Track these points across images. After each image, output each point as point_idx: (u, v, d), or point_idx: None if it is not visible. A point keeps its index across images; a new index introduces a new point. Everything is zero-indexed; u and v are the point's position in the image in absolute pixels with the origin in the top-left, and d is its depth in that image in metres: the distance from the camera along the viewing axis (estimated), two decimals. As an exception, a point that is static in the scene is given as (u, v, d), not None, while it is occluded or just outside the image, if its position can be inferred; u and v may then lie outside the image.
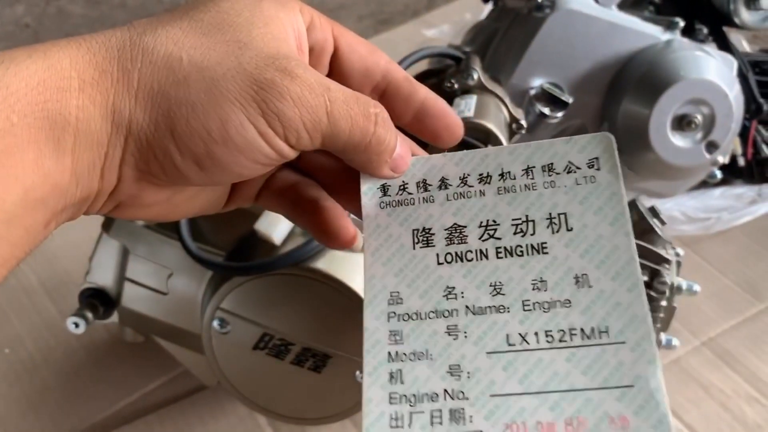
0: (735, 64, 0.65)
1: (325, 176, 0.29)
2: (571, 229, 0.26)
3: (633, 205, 0.56)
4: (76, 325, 0.48)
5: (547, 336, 0.24)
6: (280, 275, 0.44)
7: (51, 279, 0.72)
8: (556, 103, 0.61)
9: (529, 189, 0.27)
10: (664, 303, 0.53)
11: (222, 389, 0.60)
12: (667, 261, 0.54)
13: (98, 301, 0.50)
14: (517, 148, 0.27)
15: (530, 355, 0.24)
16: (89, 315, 0.49)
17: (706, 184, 0.72)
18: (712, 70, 0.61)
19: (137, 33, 0.24)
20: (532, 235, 0.26)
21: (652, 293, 0.53)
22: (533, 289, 0.25)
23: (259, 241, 0.45)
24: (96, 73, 0.23)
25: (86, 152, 0.23)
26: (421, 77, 0.61)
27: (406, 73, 0.28)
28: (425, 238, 0.27)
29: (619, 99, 0.63)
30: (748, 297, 0.68)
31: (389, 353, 0.25)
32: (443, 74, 0.58)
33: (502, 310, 0.25)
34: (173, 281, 0.48)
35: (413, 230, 0.27)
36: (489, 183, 0.27)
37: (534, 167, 0.27)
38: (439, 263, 0.26)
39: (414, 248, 0.27)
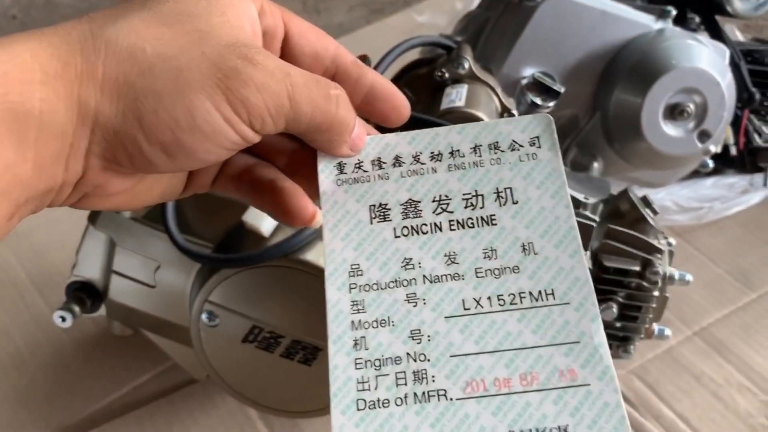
0: (727, 53, 0.65)
1: (281, 157, 0.30)
2: (517, 202, 0.28)
3: (625, 194, 0.55)
4: (63, 319, 0.48)
5: (499, 300, 0.26)
6: (269, 267, 0.43)
7: (39, 273, 0.71)
8: (547, 92, 0.61)
9: (477, 166, 0.29)
10: (656, 293, 0.53)
11: (212, 382, 0.60)
12: (659, 251, 0.53)
13: (85, 294, 0.49)
14: (465, 128, 0.29)
15: (485, 318, 0.26)
16: (76, 309, 0.48)
17: (698, 173, 0.71)
18: (704, 59, 0.61)
19: (98, 25, 0.24)
20: (481, 208, 0.28)
21: (644, 283, 0.53)
22: (485, 258, 0.27)
23: (248, 232, 0.45)
24: (59, 66, 0.23)
25: (50, 144, 0.23)
26: (412, 67, 0.60)
27: (354, 57, 0.29)
28: (382, 213, 0.28)
29: (611, 88, 0.62)
30: (740, 286, 0.68)
31: (352, 322, 0.26)
32: (434, 64, 0.58)
33: (457, 278, 0.27)
34: (161, 274, 0.47)
35: (370, 206, 0.28)
36: (440, 160, 0.29)
37: (481, 145, 0.29)
38: (396, 236, 0.28)
39: (371, 223, 0.28)
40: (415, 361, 0.25)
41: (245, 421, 0.57)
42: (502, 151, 0.29)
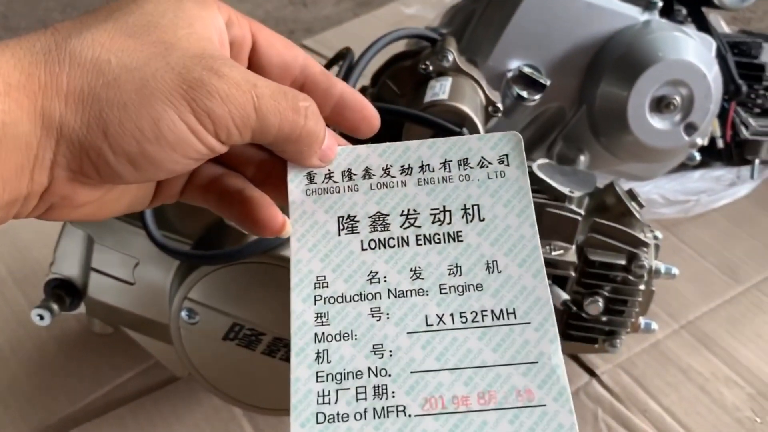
0: (714, 45, 0.65)
1: (249, 167, 0.30)
2: (483, 219, 0.28)
3: (611, 188, 0.55)
4: (41, 317, 0.47)
5: (461, 317, 0.27)
6: (249, 264, 0.42)
7: (21, 270, 0.70)
8: (533, 85, 0.60)
9: (446, 181, 0.29)
10: (642, 287, 0.53)
11: (196, 380, 0.59)
12: (645, 244, 0.53)
13: (64, 292, 0.48)
14: (436, 143, 0.30)
15: (446, 335, 0.26)
16: (55, 307, 0.47)
17: (685, 166, 0.71)
18: (690, 51, 0.61)
19: (62, 37, 0.24)
20: (448, 224, 0.28)
21: (630, 277, 0.53)
22: (449, 274, 0.27)
23: (227, 228, 0.44)
24: (22, 77, 0.23)
25: (13, 156, 0.23)
26: (396, 59, 0.60)
27: (322, 68, 0.29)
28: (350, 225, 0.28)
29: (597, 81, 0.62)
30: (727, 279, 0.68)
31: (316, 334, 0.26)
32: (418, 56, 0.57)
33: (421, 293, 0.27)
34: (140, 271, 0.47)
35: (339, 217, 0.29)
36: (410, 174, 0.29)
37: (451, 161, 0.29)
38: (363, 249, 0.28)
39: (339, 234, 0.28)
40: (376, 375, 0.26)
41: (230, 418, 0.57)
42: (471, 168, 0.29)
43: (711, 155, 0.72)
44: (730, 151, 0.72)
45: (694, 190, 0.72)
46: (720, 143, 0.70)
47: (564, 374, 0.25)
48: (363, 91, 0.61)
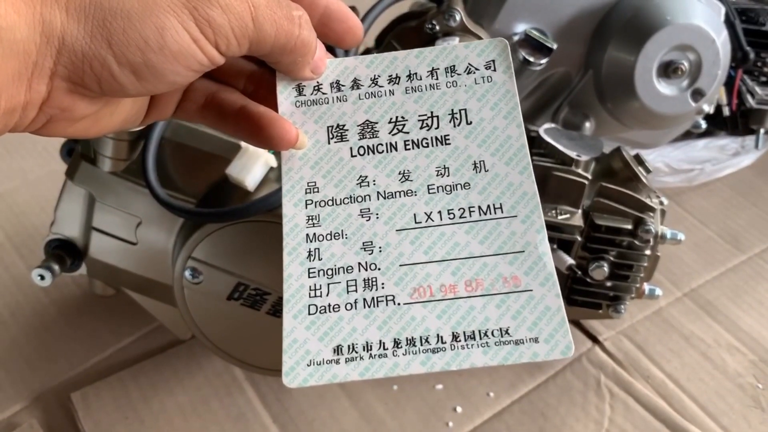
0: (723, 10, 0.64)
1: (239, 80, 0.30)
2: (471, 123, 0.29)
3: (618, 152, 0.54)
4: (42, 277, 0.46)
5: (449, 214, 0.28)
6: (254, 222, 0.42)
7: (19, 234, 0.70)
8: (540, 49, 0.59)
9: (433, 88, 0.30)
10: (647, 252, 0.53)
11: (197, 343, 0.59)
12: (652, 209, 0.53)
13: (65, 252, 0.48)
14: (423, 52, 0.30)
15: (434, 230, 0.28)
16: (56, 267, 0.47)
17: (689, 135, 0.70)
18: (699, 15, 0.60)
19: None
20: (436, 128, 0.29)
21: (636, 242, 0.52)
22: (437, 175, 0.28)
23: (232, 187, 0.43)
24: None
25: (10, 61, 0.23)
26: (401, 20, 0.59)
27: None
28: (339, 134, 0.29)
29: (604, 45, 0.61)
30: (730, 248, 0.68)
31: (307, 235, 0.28)
32: (424, 17, 0.56)
33: (410, 194, 0.28)
34: (142, 231, 0.46)
35: (328, 127, 0.29)
36: (398, 83, 0.30)
37: (438, 69, 0.30)
38: (352, 156, 0.29)
39: (329, 143, 0.29)
40: (366, 269, 0.27)
41: (231, 381, 0.56)
42: (459, 74, 0.30)
43: (716, 124, 0.72)
44: (735, 120, 0.71)
45: (699, 159, 0.71)
46: (726, 111, 0.69)
47: (551, 262, 0.26)
48: (367, 52, 0.60)
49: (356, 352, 0.26)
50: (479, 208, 0.28)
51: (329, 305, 0.26)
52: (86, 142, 0.46)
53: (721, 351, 0.59)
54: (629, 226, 0.52)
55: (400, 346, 0.25)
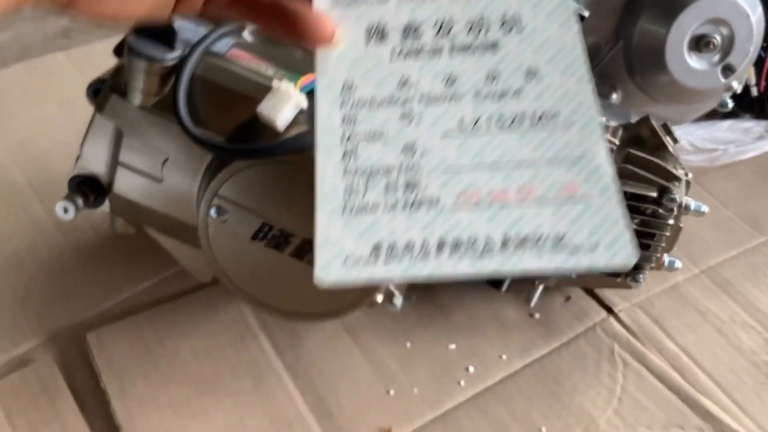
0: (759, -14, 0.63)
1: None
2: (523, 30, 0.28)
3: (646, 121, 0.54)
4: (66, 210, 0.46)
5: (499, 120, 0.26)
6: (283, 162, 0.42)
7: (38, 179, 0.70)
8: (571, 16, 0.59)
9: None
10: (671, 221, 0.52)
11: (213, 291, 0.59)
12: (678, 179, 0.52)
13: (89, 188, 0.48)
14: None
15: (483, 136, 0.26)
16: (79, 201, 0.47)
17: (714, 114, 0.70)
18: (735, -11, 0.59)
19: None
20: (485, 34, 0.28)
21: (661, 210, 0.52)
22: (486, 81, 0.27)
23: (261, 127, 0.43)
24: None
25: None
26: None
27: None
28: (379, 35, 0.28)
29: (636, 17, 0.61)
30: (749, 229, 0.68)
31: (343, 134, 0.26)
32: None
33: (456, 99, 0.27)
34: (168, 168, 0.46)
35: (367, 27, 0.28)
36: None
37: None
38: (393, 58, 0.28)
39: (368, 44, 0.28)
40: (406, 172, 0.26)
41: (246, 330, 0.57)
42: None
43: (742, 106, 0.71)
44: (762, 103, 0.71)
45: (723, 140, 0.71)
46: (754, 92, 0.68)
47: (610, 171, 0.25)
48: None
49: (397, 252, 0.24)
50: (532, 115, 0.26)
51: (367, 205, 0.25)
52: (118, 75, 0.46)
53: (737, 328, 0.59)
54: (654, 194, 0.52)
55: (444, 248, 0.24)
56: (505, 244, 0.24)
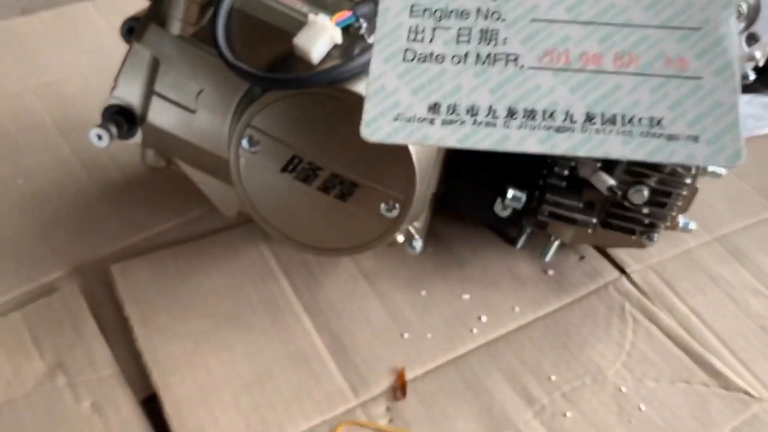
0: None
1: None
2: None
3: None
4: (100, 137, 0.47)
5: None
6: (315, 94, 0.43)
7: (65, 121, 0.71)
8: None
9: None
10: (688, 180, 0.53)
11: (236, 233, 0.60)
12: (698, 139, 0.53)
13: (123, 118, 0.49)
14: None
15: None
16: (113, 129, 0.48)
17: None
18: (763, -43, 0.60)
19: None
20: None
21: (679, 169, 0.53)
22: None
23: (296, 61, 0.44)
24: None
25: None
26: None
27: None
28: None
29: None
30: (764, 201, 0.68)
31: None
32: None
33: None
34: (203, 99, 0.47)
35: None
36: None
37: None
38: None
39: None
40: (486, 18, 0.22)
41: (266, 270, 0.58)
42: None
43: (763, 81, 0.72)
44: (782, 78, 0.71)
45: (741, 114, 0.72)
46: (775, 66, 0.69)
47: (732, 47, 0.21)
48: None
49: (457, 114, 0.21)
50: None
51: (432, 54, 0.21)
52: (157, 5, 0.47)
53: (747, 294, 0.60)
54: (674, 153, 0.53)
55: (515, 116, 0.21)
56: (589, 120, 0.20)
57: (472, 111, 0.21)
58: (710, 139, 0.21)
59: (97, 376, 0.50)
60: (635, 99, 0.21)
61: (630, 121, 0.21)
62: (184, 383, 0.50)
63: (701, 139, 0.21)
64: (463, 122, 0.21)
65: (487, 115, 0.21)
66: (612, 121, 0.21)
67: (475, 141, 0.21)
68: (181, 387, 0.50)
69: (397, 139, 0.22)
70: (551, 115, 0.21)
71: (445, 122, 0.21)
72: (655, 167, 0.53)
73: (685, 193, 0.54)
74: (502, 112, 0.21)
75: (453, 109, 0.21)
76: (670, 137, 0.21)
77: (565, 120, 0.21)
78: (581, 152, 0.21)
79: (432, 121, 0.21)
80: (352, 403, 0.50)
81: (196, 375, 0.51)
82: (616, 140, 0.21)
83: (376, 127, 0.22)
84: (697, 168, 0.54)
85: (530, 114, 0.21)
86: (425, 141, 0.22)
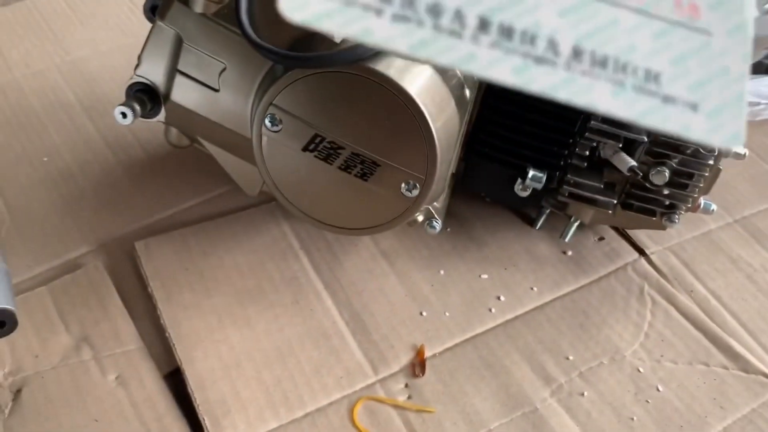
0: (816, -64, 0.62)
1: None
2: None
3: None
4: (124, 115, 0.48)
5: None
6: (338, 73, 0.43)
7: (89, 98, 0.72)
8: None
9: None
10: (711, 162, 0.53)
11: (258, 212, 0.61)
12: (721, 120, 0.53)
13: (146, 96, 0.49)
14: None
15: None
16: (137, 107, 0.48)
17: (759, 67, 0.70)
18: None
19: None
20: None
21: (701, 150, 0.52)
22: None
23: (318, 41, 0.44)
24: None
25: None
26: None
27: None
28: None
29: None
30: (786, 184, 0.68)
31: None
32: None
33: None
34: (226, 77, 0.47)
35: None
36: None
37: None
38: None
39: None
40: None
41: (287, 249, 0.59)
42: None
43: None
44: (808, 59, 0.70)
45: (766, 95, 0.71)
46: (802, 46, 0.68)
47: (750, 8, 0.19)
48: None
49: (414, 11, 0.16)
50: None
51: None
52: (181, -16, 0.47)
53: (767, 276, 0.60)
54: (696, 134, 0.52)
55: (487, 30, 0.16)
56: (576, 57, 0.17)
57: (434, 11, 0.16)
58: (710, 112, 0.17)
59: (122, 350, 0.51)
60: (633, 42, 0.17)
61: (623, 68, 0.17)
62: (206, 358, 0.51)
63: (700, 109, 0.17)
64: (420, 23, 0.16)
65: (453, 21, 0.16)
66: (603, 63, 0.17)
67: (431, 52, 0.16)
68: (203, 362, 0.51)
69: (325, 25, 0.16)
70: (532, 39, 0.17)
71: (396, 17, 0.16)
72: (677, 148, 0.53)
73: (707, 174, 0.54)
74: (471, 21, 0.16)
75: (409, 2, 0.16)
76: (666, 99, 0.17)
77: (547, 50, 0.17)
78: (562, 95, 0.17)
79: (379, 12, 0.16)
80: (372, 379, 0.51)
81: (218, 350, 0.52)
82: (605, 89, 0.17)
83: (302, 2, 0.16)
84: (720, 149, 0.53)
85: (506, 32, 0.17)
86: (364, 37, 0.16)
